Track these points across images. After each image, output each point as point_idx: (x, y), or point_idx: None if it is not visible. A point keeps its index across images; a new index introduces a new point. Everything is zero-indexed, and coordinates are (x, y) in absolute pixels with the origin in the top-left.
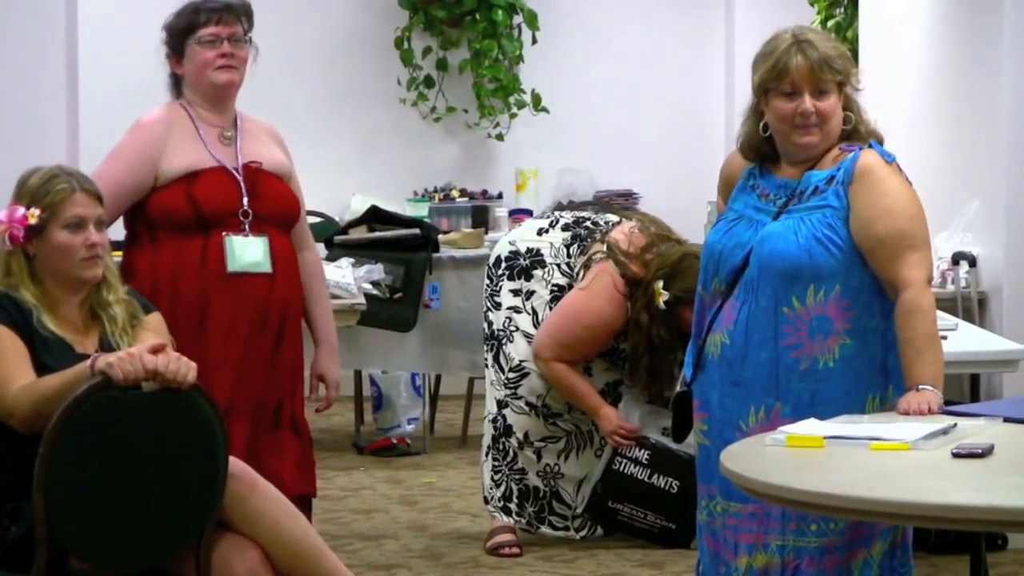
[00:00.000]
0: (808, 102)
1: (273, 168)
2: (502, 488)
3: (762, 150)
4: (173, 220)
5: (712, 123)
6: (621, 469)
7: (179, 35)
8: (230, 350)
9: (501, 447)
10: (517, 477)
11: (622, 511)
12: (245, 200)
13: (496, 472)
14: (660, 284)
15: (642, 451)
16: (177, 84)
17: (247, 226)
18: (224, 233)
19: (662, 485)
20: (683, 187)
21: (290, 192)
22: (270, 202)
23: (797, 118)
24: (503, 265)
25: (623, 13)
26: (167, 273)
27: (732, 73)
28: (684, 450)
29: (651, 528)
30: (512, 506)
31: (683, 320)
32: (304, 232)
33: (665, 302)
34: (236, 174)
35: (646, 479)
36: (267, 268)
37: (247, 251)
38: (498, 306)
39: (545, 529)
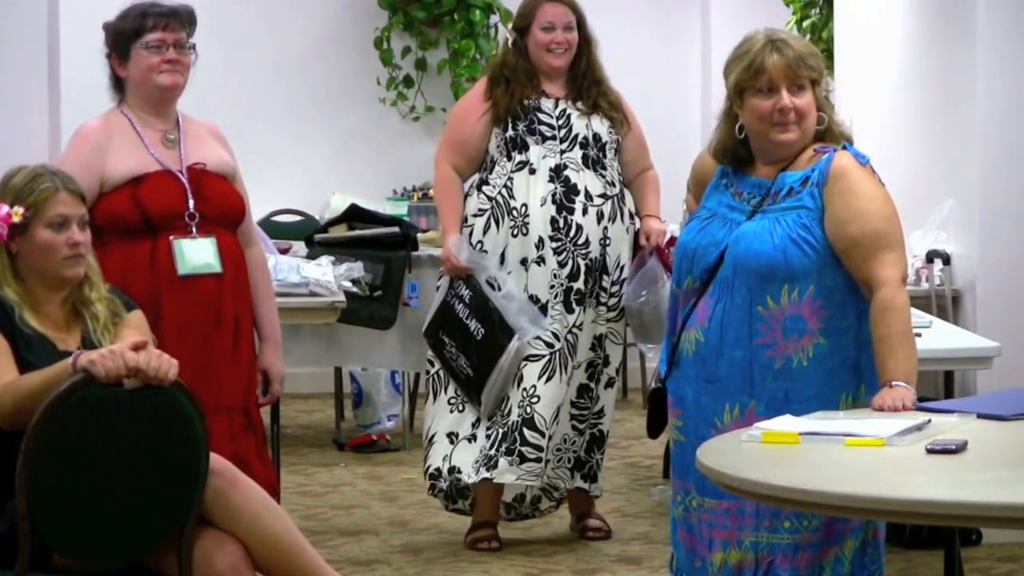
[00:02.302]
0: (786, 98)
1: (217, 168)
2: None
3: (737, 153)
4: (120, 225)
5: (688, 124)
6: (451, 302)
7: (125, 38)
8: (186, 352)
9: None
10: (501, 420)
11: (448, 345)
12: (191, 202)
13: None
14: (510, 26)
15: (466, 290)
16: (118, 85)
17: (194, 228)
18: (171, 236)
19: (472, 328)
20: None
21: (235, 192)
22: (216, 203)
23: (776, 115)
24: None
25: (599, 14)
26: (117, 278)
27: (708, 74)
28: (500, 302)
29: (461, 373)
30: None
31: (531, 53)
32: (249, 229)
33: (513, 39)
34: (181, 176)
35: (464, 319)
36: (217, 268)
37: (196, 253)
38: None
39: (509, 464)
